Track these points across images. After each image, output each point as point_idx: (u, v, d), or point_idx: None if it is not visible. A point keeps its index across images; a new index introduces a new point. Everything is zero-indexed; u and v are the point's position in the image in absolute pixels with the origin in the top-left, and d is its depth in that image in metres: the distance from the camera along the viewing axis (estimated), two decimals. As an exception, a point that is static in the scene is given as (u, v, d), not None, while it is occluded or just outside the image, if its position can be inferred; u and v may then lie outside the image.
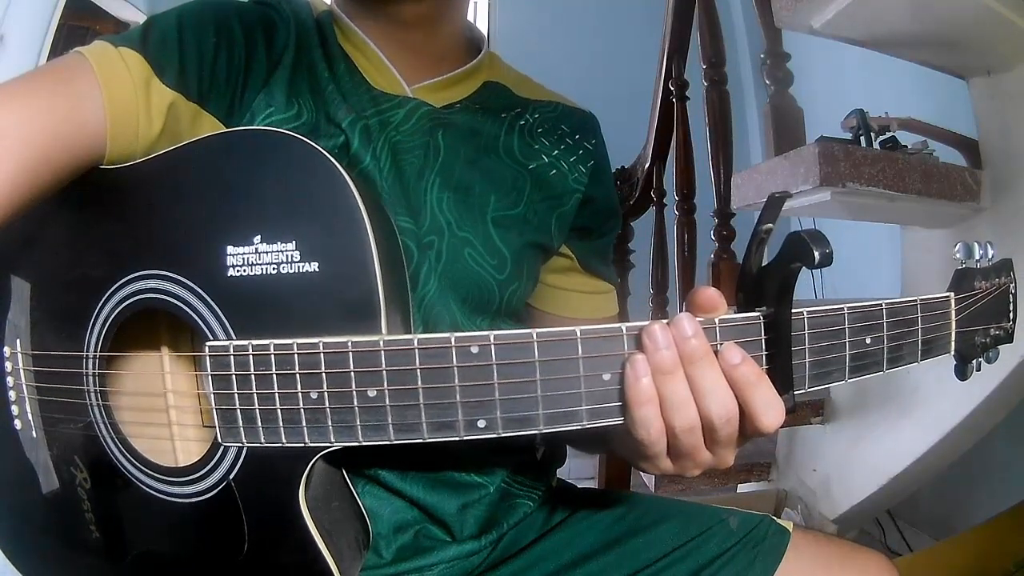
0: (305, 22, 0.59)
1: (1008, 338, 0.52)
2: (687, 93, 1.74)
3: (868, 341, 0.43)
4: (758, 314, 0.40)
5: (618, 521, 0.61)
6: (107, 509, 0.51)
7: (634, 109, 2.02)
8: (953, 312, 0.47)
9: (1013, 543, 1.21)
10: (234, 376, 0.41)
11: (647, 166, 1.85)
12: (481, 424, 0.39)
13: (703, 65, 1.60)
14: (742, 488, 1.82)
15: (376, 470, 0.56)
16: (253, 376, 0.41)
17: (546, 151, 0.64)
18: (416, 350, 0.39)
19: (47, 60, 2.66)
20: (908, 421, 1.36)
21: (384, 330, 0.41)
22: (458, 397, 0.39)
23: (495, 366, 0.38)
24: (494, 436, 0.39)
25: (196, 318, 0.44)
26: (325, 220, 0.42)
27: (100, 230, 0.49)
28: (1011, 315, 0.51)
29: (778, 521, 0.60)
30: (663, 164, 1.85)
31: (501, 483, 0.62)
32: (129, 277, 0.46)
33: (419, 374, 0.39)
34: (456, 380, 0.38)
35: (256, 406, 0.41)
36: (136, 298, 0.46)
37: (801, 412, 1.56)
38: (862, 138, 1.29)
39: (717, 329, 0.40)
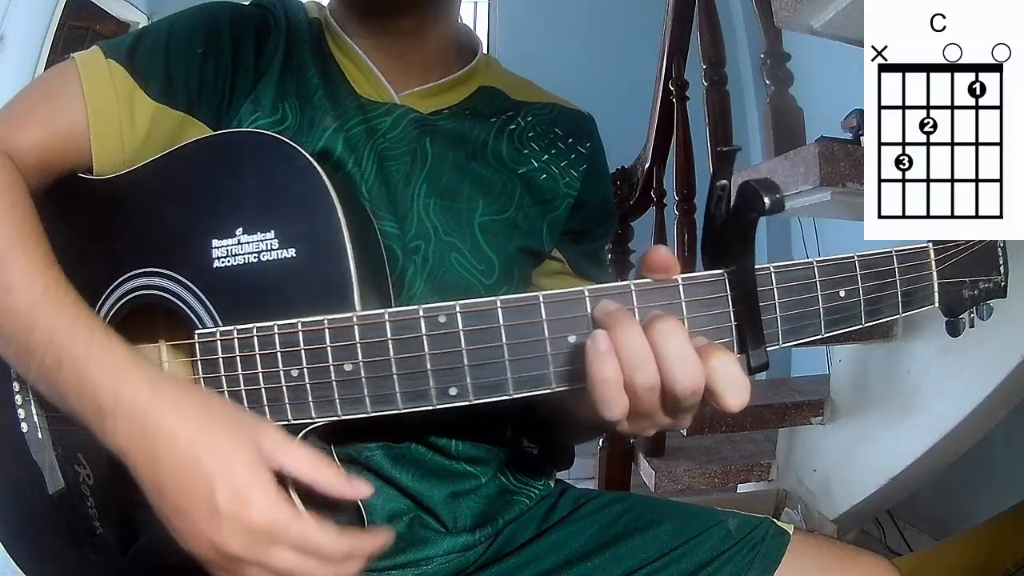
0: (299, 26, 0.60)
1: (1000, 292, 0.50)
2: (687, 93, 1.74)
3: (842, 294, 0.42)
4: (722, 271, 0.40)
5: (614, 521, 0.61)
6: (109, 503, 0.52)
7: (634, 109, 2.02)
8: (933, 263, 0.46)
9: (1013, 543, 1.21)
10: (221, 360, 0.43)
11: (647, 166, 1.85)
12: (453, 392, 0.40)
13: (703, 65, 1.60)
14: (742, 488, 1.82)
15: (367, 457, 0.56)
16: (238, 359, 0.43)
17: (536, 156, 0.64)
18: (387, 323, 0.40)
19: (47, 60, 2.67)
20: (908, 421, 1.35)
21: (358, 307, 0.43)
22: (429, 366, 0.40)
23: (461, 333, 0.40)
24: (467, 404, 0.40)
25: (186, 309, 0.46)
26: (300, 209, 0.44)
27: (99, 235, 0.52)
28: (1001, 268, 0.49)
29: (778, 523, 0.59)
30: (663, 164, 1.84)
31: (496, 476, 0.62)
32: (126, 276, 0.49)
33: (391, 345, 0.40)
34: (426, 349, 0.40)
35: (242, 388, 0.43)
36: (133, 295, 0.49)
37: (801, 412, 1.56)
38: (862, 138, 1.29)
39: (681, 287, 0.40)
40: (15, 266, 0.44)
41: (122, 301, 0.49)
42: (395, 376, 0.40)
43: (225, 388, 0.44)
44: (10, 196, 0.47)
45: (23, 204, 0.47)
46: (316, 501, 0.45)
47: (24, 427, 0.53)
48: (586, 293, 0.39)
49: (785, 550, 0.57)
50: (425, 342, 0.40)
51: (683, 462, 1.60)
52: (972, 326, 0.49)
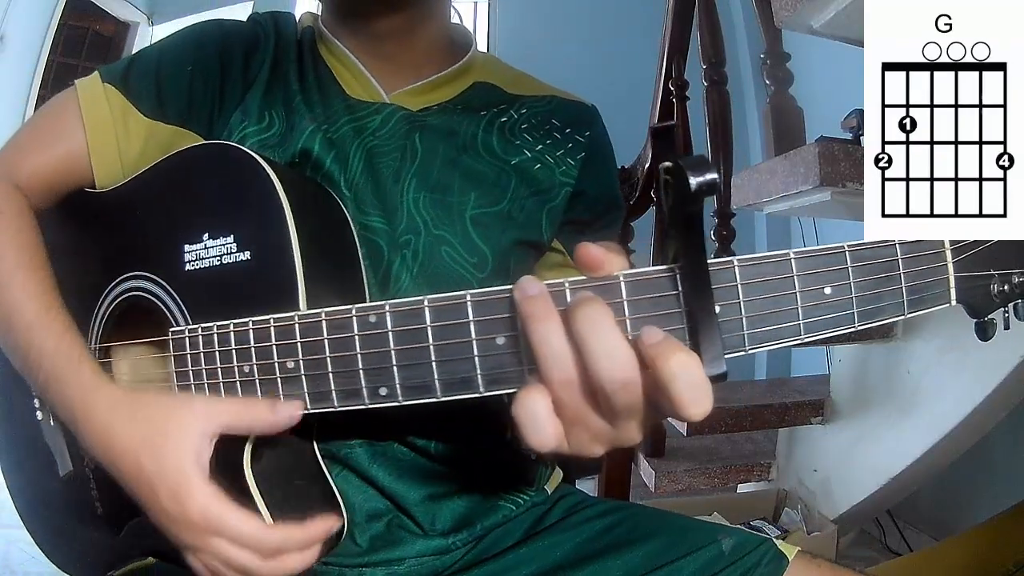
0: (288, 37, 0.63)
1: None
2: (687, 93, 1.74)
3: (828, 291, 0.36)
4: (671, 267, 0.35)
5: (603, 533, 0.59)
6: (106, 484, 0.55)
7: (634, 109, 2.02)
8: (948, 253, 0.38)
9: (1013, 543, 1.21)
10: (189, 356, 0.47)
11: (647, 166, 1.85)
12: (383, 392, 0.40)
13: (703, 65, 1.60)
14: (742, 488, 1.82)
15: (347, 454, 0.56)
16: (202, 356, 0.46)
17: (529, 146, 0.63)
18: (323, 322, 0.42)
19: (47, 60, 2.67)
20: (908, 421, 1.35)
21: (303, 306, 0.44)
22: (360, 365, 0.41)
23: (390, 333, 0.40)
24: (396, 404, 0.41)
25: (164, 309, 0.50)
26: (254, 215, 0.47)
27: (99, 241, 0.57)
28: None
29: (779, 547, 0.57)
30: (663, 164, 1.85)
31: (478, 480, 0.61)
32: (119, 279, 0.53)
33: (327, 344, 0.41)
34: (358, 348, 0.40)
35: (205, 382, 0.46)
36: (124, 296, 0.53)
37: (801, 412, 1.56)
38: (862, 138, 1.29)
39: (623, 285, 0.36)
40: (15, 290, 0.50)
41: (116, 302, 0.54)
42: (331, 374, 0.41)
43: (192, 382, 0.47)
44: (16, 223, 0.53)
45: (28, 231, 0.53)
46: (290, 503, 0.47)
47: (39, 415, 0.57)
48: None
49: None
50: (357, 341, 0.40)
51: (683, 462, 1.60)
52: (1007, 328, 0.41)
